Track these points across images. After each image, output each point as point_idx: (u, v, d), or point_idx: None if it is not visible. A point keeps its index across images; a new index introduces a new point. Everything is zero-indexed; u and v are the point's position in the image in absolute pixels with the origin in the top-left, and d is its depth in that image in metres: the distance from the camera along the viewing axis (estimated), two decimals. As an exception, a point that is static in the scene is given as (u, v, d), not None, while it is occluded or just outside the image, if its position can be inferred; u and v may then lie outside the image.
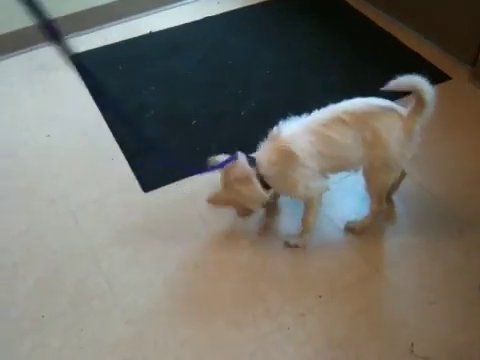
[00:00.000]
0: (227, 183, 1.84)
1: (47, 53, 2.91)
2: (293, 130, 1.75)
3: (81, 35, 3.07)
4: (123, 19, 3.15)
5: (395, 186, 2.04)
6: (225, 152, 1.88)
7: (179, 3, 3.26)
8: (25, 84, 2.79)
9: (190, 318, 1.81)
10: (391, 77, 1.67)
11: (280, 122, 1.79)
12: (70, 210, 2.15)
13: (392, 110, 1.73)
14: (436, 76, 2.59)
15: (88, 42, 3.00)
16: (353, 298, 1.84)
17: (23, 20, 2.66)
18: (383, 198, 1.92)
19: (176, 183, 2.23)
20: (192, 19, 3.15)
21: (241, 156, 1.80)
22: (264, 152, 1.79)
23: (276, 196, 2.07)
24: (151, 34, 3.06)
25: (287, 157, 1.73)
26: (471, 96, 2.57)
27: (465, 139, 2.36)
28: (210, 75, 2.74)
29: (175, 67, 2.82)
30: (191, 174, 2.15)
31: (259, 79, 2.72)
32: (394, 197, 2.10)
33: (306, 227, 1.94)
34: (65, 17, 2.95)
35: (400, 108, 1.75)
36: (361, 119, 1.71)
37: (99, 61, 2.88)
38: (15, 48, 2.94)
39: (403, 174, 2.00)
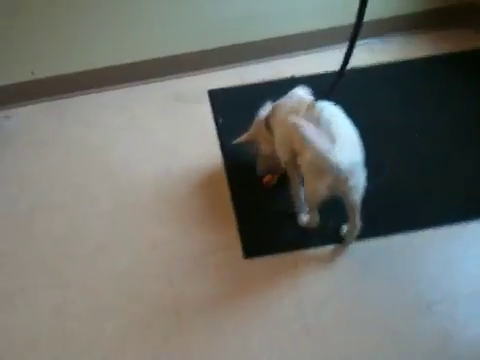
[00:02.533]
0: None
1: (185, 84, 2.95)
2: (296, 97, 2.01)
3: (216, 71, 3.02)
4: (262, 59, 3.04)
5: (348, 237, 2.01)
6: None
7: (327, 47, 3.05)
8: (157, 112, 2.80)
9: None
10: None
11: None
12: (166, 260, 2.08)
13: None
14: None
15: (223, 79, 2.94)
16: None
17: (156, 48, 2.91)
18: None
19: (281, 255, 2.06)
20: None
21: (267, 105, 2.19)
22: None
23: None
24: (293, 78, 2.91)
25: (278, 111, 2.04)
26: None
27: None
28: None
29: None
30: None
31: (400, 145, 2.46)
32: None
33: (309, 207, 2.04)
34: (202, 52, 2.97)
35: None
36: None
37: (234, 100, 2.81)
38: (154, 75, 2.98)
39: (353, 225, 1.94)
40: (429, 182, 2.28)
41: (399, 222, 2.14)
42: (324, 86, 1.92)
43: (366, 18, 2.99)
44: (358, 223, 1.94)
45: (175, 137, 2.64)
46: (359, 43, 2.92)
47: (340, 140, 1.70)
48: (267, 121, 2.12)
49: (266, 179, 2.28)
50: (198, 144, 2.58)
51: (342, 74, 1.86)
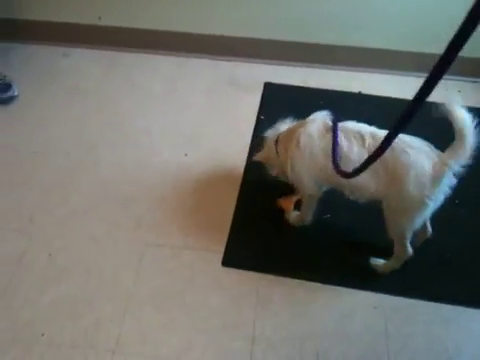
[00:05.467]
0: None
1: (243, 70, 2.77)
2: (320, 122, 1.70)
3: (281, 65, 2.80)
4: (333, 66, 2.76)
5: (416, 243, 1.80)
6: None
7: (403, 72, 2.72)
8: (202, 90, 2.65)
9: None
10: None
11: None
12: (144, 243, 1.94)
13: (419, 147, 1.55)
14: None
15: (285, 75, 2.71)
16: None
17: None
18: (406, 243, 1.72)
19: (261, 275, 1.85)
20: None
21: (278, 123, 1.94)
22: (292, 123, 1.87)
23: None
24: (359, 94, 2.62)
25: (292, 135, 1.73)
26: None
27: None
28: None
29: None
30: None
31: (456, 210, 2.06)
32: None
33: (301, 213, 1.96)
34: (273, 41, 2.76)
35: (433, 149, 1.55)
36: None
37: (287, 100, 2.58)
38: (215, 51, 2.83)
39: (425, 232, 1.82)
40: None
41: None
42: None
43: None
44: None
45: (209, 120, 2.48)
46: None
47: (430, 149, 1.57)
48: (276, 143, 1.88)
49: (285, 205, 2.04)
50: (229, 135, 2.39)
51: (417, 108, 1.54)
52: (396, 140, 1.48)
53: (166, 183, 2.17)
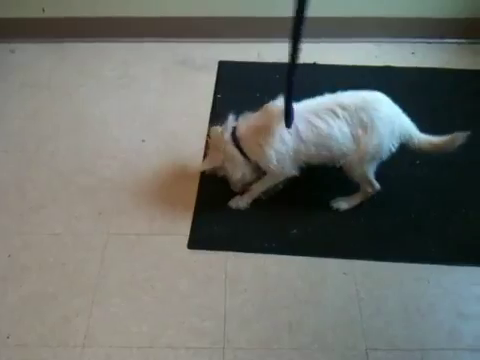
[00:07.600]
0: (212, 145, 1.90)
1: (197, 50, 2.72)
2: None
3: (234, 43, 2.76)
4: (287, 38, 2.72)
5: None
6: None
7: (358, 39, 2.71)
8: (157, 74, 2.60)
9: None
10: None
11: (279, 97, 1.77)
12: (107, 230, 1.89)
13: (384, 101, 1.75)
14: None
15: (238, 52, 2.68)
16: None
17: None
18: (372, 180, 1.85)
19: (222, 253, 1.82)
20: (372, 63, 2.59)
21: (230, 119, 1.84)
22: (249, 117, 1.83)
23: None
24: (315, 65, 2.60)
25: (267, 130, 1.74)
26: None
27: None
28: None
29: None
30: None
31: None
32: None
33: (251, 192, 1.94)
34: (223, 18, 2.71)
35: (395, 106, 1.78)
36: (354, 112, 1.70)
37: (242, 76, 2.54)
38: (166, 34, 2.77)
39: None
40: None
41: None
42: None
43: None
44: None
45: (166, 103, 2.43)
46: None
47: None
48: (235, 140, 1.82)
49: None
50: (187, 116, 2.35)
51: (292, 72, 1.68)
52: (365, 102, 1.71)
53: (125, 170, 2.12)
